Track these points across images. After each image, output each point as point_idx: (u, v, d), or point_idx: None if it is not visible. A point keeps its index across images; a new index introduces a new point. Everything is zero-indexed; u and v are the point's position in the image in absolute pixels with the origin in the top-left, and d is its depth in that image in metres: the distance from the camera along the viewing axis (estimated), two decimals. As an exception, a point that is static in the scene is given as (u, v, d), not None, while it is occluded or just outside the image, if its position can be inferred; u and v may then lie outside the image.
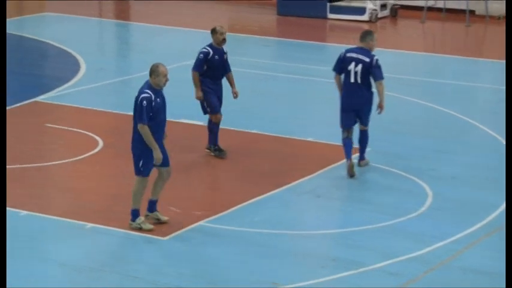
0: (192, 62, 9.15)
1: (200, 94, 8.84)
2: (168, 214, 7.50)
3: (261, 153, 9.59)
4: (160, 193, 7.17)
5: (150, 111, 6.74)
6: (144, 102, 6.68)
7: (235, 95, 9.20)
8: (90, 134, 9.88)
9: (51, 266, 6.52)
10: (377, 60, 8.59)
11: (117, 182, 8.39)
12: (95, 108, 10.94)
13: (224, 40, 8.93)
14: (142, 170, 6.94)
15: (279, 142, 10.06)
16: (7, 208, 7.33)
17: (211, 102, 8.93)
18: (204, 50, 8.87)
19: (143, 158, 6.89)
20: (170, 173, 7.14)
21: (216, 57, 8.85)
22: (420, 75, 13.61)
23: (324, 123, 9.55)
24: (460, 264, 6.67)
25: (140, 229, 7.01)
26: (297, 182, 8.57)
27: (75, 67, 13.44)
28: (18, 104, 11.31)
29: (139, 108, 6.71)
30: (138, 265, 6.49)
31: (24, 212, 7.53)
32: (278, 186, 8.37)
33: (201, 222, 7.36)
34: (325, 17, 17.99)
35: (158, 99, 6.85)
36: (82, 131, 9.96)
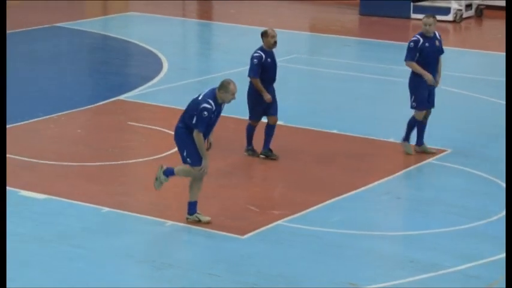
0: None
1: (269, 96, 8.74)
2: (247, 213, 7.62)
3: (339, 154, 9.57)
4: (198, 194, 7.16)
5: (208, 121, 6.86)
6: (205, 113, 6.78)
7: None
8: (170, 132, 10.09)
9: (131, 263, 6.64)
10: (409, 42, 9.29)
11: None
12: (176, 107, 11.22)
13: (275, 43, 8.84)
14: (189, 161, 7.03)
15: (359, 142, 10.00)
16: (89, 204, 7.63)
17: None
18: (256, 54, 8.78)
19: (187, 149, 7.00)
20: (205, 173, 7.10)
21: (269, 60, 8.79)
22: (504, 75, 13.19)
23: (405, 124, 9.40)
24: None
25: (199, 221, 7.09)
26: (376, 182, 8.50)
27: (158, 66, 13.67)
28: (102, 102, 11.63)
29: (199, 117, 6.79)
30: (218, 263, 6.56)
31: (106, 209, 7.66)
32: (357, 187, 8.32)
33: (280, 222, 7.39)
34: (408, 17, 17.74)
35: (217, 112, 6.96)
36: (163, 129, 10.12)
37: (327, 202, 7.95)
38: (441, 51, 9.40)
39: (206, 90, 7.04)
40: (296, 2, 19.34)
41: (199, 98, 6.93)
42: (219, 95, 6.89)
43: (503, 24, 16.50)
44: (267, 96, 8.71)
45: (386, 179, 8.66)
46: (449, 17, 17.25)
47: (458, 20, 17.15)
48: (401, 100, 10.19)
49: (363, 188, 8.35)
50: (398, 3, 17.72)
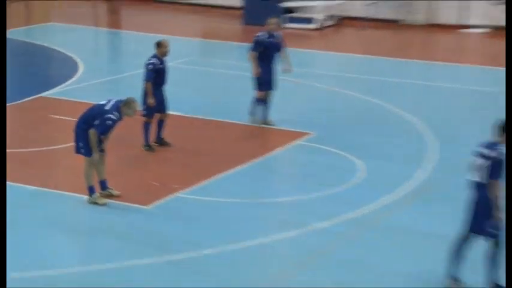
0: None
1: (152, 101, 8.52)
2: (150, 188, 7.69)
3: (227, 137, 9.73)
4: (104, 173, 7.22)
5: (109, 128, 6.87)
6: (110, 122, 6.80)
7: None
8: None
9: (54, 230, 6.64)
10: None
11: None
12: (91, 101, 10.89)
13: (168, 52, 8.70)
14: (82, 151, 7.01)
15: (242, 128, 10.10)
16: (18, 184, 7.42)
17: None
18: (151, 61, 8.57)
19: (82, 141, 6.95)
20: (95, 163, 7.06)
21: (161, 66, 8.70)
22: (358, 73, 13.84)
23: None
24: (387, 224, 6.94)
25: (96, 203, 7.07)
26: (256, 160, 8.68)
27: (74, 68, 13.33)
28: (26, 99, 11.29)
29: (103, 123, 6.76)
30: (128, 229, 6.72)
31: (32, 187, 7.62)
32: (241, 163, 8.47)
33: (178, 194, 7.50)
34: (283, 27, 18.04)
35: (118, 121, 6.94)
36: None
37: (217, 176, 8.07)
38: (281, 47, 9.82)
39: (113, 101, 6.93)
40: (190, 13, 19.45)
41: (107, 108, 6.84)
42: (123, 109, 6.85)
43: (357, 31, 17.27)
44: (151, 101, 8.50)
45: (264, 156, 8.89)
46: (314, 26, 17.72)
47: (321, 28, 17.68)
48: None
49: (245, 165, 8.52)
50: (274, 15, 17.94)
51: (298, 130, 9.80)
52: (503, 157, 4.90)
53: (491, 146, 5.02)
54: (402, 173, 8.26)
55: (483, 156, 5.02)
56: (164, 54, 8.69)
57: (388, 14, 17.89)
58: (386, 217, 7.09)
